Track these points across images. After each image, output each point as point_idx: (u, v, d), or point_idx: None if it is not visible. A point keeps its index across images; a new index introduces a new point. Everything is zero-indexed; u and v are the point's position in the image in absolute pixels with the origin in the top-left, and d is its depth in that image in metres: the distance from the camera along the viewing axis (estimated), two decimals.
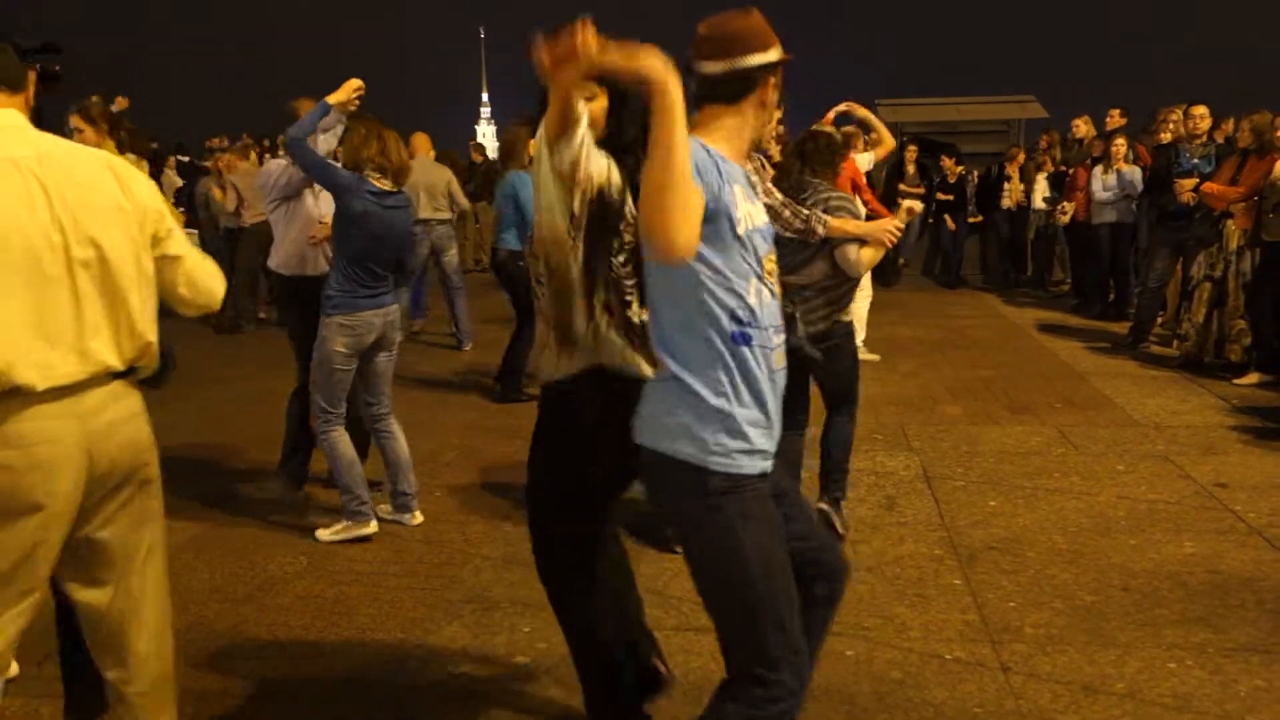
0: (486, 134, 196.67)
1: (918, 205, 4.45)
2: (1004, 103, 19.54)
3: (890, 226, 4.10)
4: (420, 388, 7.62)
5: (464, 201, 9.60)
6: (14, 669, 3.39)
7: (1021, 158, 12.40)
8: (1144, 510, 4.76)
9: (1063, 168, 11.47)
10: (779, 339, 2.16)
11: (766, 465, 2.14)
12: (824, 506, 4.52)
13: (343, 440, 4.48)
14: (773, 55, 2.16)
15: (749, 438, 2.08)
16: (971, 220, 12.69)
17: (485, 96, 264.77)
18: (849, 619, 3.67)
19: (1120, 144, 9.76)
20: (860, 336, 8.39)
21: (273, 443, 5.15)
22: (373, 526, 4.53)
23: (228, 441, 6.04)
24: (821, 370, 4.30)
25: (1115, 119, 10.67)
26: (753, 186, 2.26)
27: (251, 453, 5.74)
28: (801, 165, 4.35)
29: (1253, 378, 7.15)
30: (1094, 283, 10.48)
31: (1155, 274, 8.75)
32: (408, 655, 3.50)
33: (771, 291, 2.15)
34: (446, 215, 9.07)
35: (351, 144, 4.36)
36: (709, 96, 2.17)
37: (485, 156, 15.66)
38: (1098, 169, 9.94)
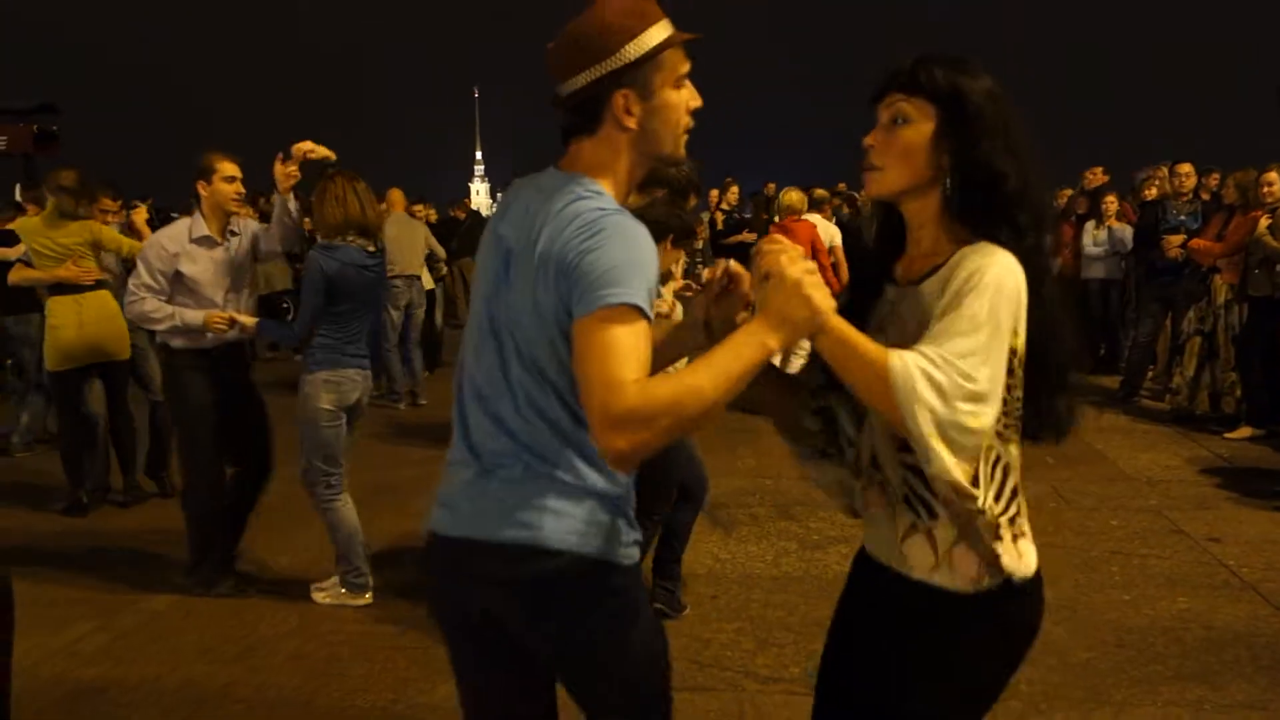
0: (480, 191, 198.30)
1: (734, 265, 4.36)
2: None
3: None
4: (412, 442, 7.60)
5: (442, 254, 9.93)
6: None
7: None
8: (1137, 565, 4.76)
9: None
10: None
11: None
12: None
13: (346, 507, 4.42)
14: (607, 65, 1.70)
15: None
16: None
17: (479, 155, 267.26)
18: None
19: (1111, 201, 9.89)
20: None
21: (271, 498, 5.09)
22: (368, 598, 4.45)
23: None
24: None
25: (1098, 176, 10.80)
26: None
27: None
28: None
29: (1244, 431, 7.18)
30: (1084, 337, 10.52)
31: (1145, 329, 8.82)
32: (399, 717, 3.47)
33: None
34: (421, 271, 9.21)
35: (328, 206, 4.28)
36: (569, 126, 1.78)
37: (468, 213, 15.72)
38: (1088, 225, 10.05)
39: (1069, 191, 11.34)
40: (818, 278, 1.58)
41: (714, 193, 12.96)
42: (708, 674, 3.71)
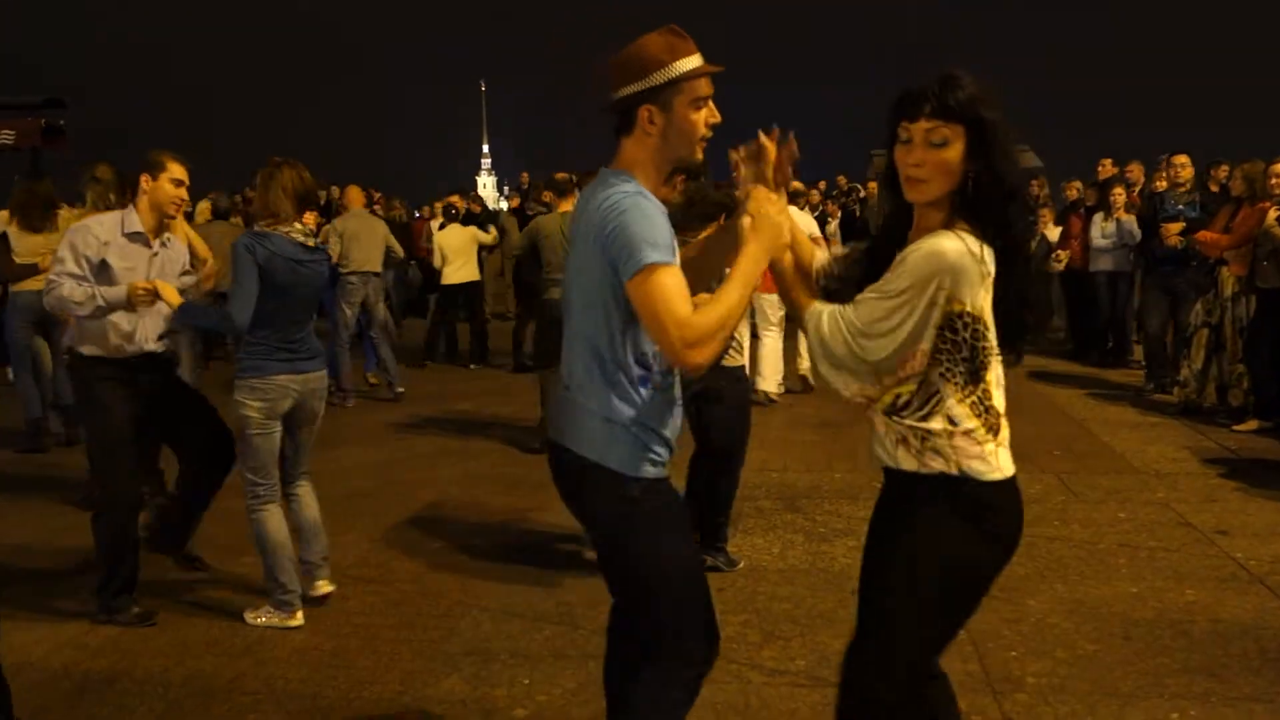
0: (487, 184, 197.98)
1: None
2: None
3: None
4: (417, 438, 7.62)
5: (400, 252, 9.78)
6: None
7: None
8: (1145, 558, 4.75)
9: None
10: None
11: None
12: (706, 559, 4.53)
13: (273, 520, 4.12)
14: (639, 85, 2.23)
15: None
16: None
17: (486, 148, 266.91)
18: None
19: (1119, 193, 9.85)
20: (777, 377, 8.42)
21: None
22: (298, 619, 4.15)
23: (232, 485, 6.02)
24: (706, 416, 4.54)
25: (1107, 168, 10.76)
26: None
27: None
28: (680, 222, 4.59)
29: (1251, 424, 7.16)
30: (1092, 330, 10.50)
31: (1152, 320, 8.80)
32: (406, 709, 3.47)
33: None
34: (379, 269, 9.17)
35: (274, 195, 4.07)
36: (616, 126, 2.32)
37: (484, 207, 15.77)
38: (1097, 217, 10.01)
39: (1077, 183, 11.30)
40: (788, 214, 2.29)
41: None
42: (714, 666, 3.70)
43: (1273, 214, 6.92)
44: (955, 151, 2.07)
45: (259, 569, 4.73)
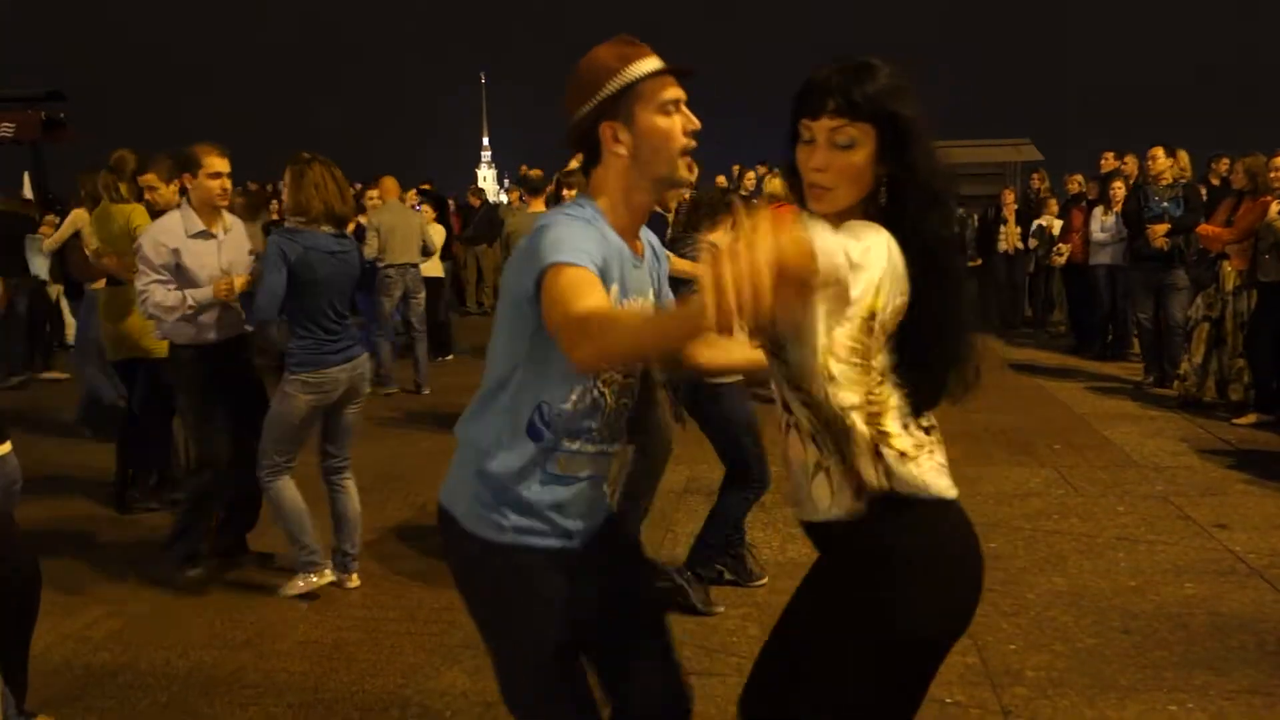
0: (487, 177, 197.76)
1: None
2: (999, 146, 19.57)
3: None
4: (418, 433, 7.63)
5: (435, 245, 9.75)
6: None
7: (1011, 198, 12.49)
8: (1144, 551, 4.76)
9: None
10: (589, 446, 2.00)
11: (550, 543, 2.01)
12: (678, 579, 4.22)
13: (288, 489, 4.27)
14: (593, 101, 1.91)
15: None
16: (971, 264, 12.73)
17: (486, 140, 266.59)
18: None
19: (1119, 186, 9.84)
20: None
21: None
22: (329, 575, 4.36)
23: None
24: (702, 425, 4.26)
25: (1110, 162, 10.75)
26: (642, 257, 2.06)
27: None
28: (686, 222, 4.54)
29: (1251, 418, 7.17)
30: (1092, 324, 10.51)
31: (1145, 314, 8.80)
32: (407, 701, 3.49)
33: (601, 396, 1.99)
34: (418, 260, 9.15)
35: (306, 193, 4.16)
36: (583, 163, 2.03)
37: (484, 200, 15.77)
38: (1097, 210, 10.01)
39: (1079, 177, 11.30)
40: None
41: (720, 180, 12.93)
42: (715, 659, 3.72)
43: (1274, 208, 6.92)
44: (863, 154, 1.78)
45: (260, 563, 4.77)
